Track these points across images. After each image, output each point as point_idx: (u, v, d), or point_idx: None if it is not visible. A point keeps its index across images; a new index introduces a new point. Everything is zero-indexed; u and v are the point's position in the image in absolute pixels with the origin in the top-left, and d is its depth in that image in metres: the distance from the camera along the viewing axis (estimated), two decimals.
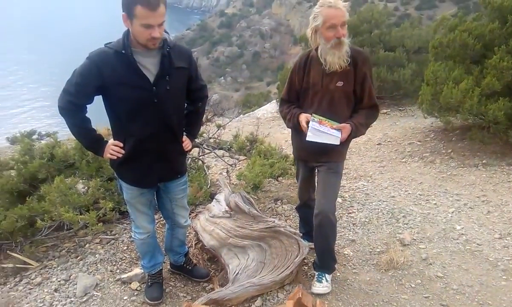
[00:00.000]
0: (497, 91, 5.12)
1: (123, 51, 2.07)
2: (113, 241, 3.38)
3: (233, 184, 4.52)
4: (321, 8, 2.40)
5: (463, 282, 2.72)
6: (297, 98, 2.73)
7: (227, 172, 4.98)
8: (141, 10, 1.94)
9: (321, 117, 2.49)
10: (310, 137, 2.42)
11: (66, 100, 2.14)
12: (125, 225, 3.63)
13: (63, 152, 3.45)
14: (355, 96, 2.57)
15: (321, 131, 2.39)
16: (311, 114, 2.50)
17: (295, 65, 2.68)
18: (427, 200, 4.22)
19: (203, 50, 79.20)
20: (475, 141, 5.64)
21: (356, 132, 2.52)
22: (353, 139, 2.65)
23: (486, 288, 2.67)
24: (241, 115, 12.51)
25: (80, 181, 3.57)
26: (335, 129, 2.42)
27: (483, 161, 5.22)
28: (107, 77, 2.08)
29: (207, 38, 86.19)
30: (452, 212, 3.85)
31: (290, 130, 2.81)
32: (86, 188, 3.70)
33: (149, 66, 2.13)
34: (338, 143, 2.39)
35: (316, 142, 2.41)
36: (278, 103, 11.61)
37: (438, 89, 5.78)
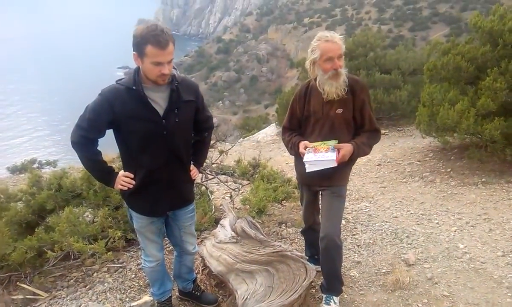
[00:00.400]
0: (492, 111, 5.24)
1: (134, 87, 2.17)
2: (121, 269, 3.41)
3: (236, 208, 4.58)
4: (318, 42, 2.54)
5: (469, 301, 2.76)
6: (298, 125, 2.84)
7: (231, 196, 5.05)
8: (151, 49, 2.06)
9: (316, 144, 2.60)
10: (308, 168, 2.55)
11: (79, 135, 2.23)
12: (132, 253, 3.67)
13: (71, 182, 3.52)
14: (356, 122, 2.67)
15: (317, 160, 2.49)
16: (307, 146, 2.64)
17: (296, 94, 2.80)
18: (429, 219, 4.27)
19: (201, 75, 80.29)
20: (473, 160, 5.73)
21: (359, 151, 2.60)
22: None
23: (492, 306, 2.70)
24: (241, 139, 12.64)
25: (88, 210, 3.62)
26: (330, 150, 2.51)
27: (483, 179, 5.30)
28: (118, 112, 2.18)
29: (205, 63, 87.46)
30: (455, 231, 3.90)
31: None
32: (92, 217, 3.76)
33: (159, 100, 2.24)
34: (335, 165, 2.48)
35: (316, 170, 2.52)
36: (280, 129, 11.81)
37: (434, 110, 5.92)
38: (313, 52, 2.58)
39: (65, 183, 3.53)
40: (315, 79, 2.65)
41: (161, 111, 2.24)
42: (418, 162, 6.48)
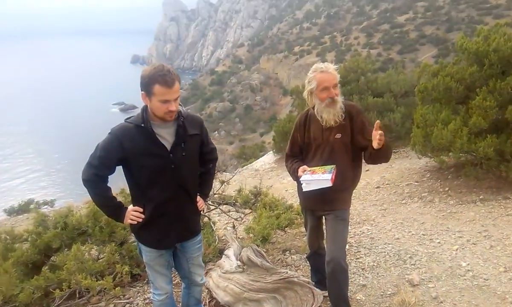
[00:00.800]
0: (484, 129, 5.39)
1: (142, 125, 2.28)
2: (128, 305, 3.42)
3: (240, 238, 4.61)
4: (314, 73, 2.70)
5: None
6: (300, 152, 2.97)
7: (234, 226, 5.09)
8: (159, 88, 2.19)
9: (314, 168, 2.71)
10: (304, 187, 2.66)
11: (90, 173, 2.31)
12: (138, 288, 3.68)
13: (77, 220, 3.57)
14: (360, 146, 2.76)
15: (312, 179, 2.60)
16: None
17: (296, 123, 2.95)
18: (430, 239, 4.33)
19: (196, 107, 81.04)
20: (470, 178, 5.83)
21: (388, 144, 2.62)
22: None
23: None
24: (240, 168, 12.72)
25: (93, 247, 3.66)
26: (326, 172, 2.61)
27: (480, 197, 5.38)
28: (127, 149, 2.28)
29: (199, 96, 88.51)
30: (456, 249, 3.95)
31: (291, 180, 2.99)
32: (98, 254, 3.79)
33: (166, 136, 2.34)
34: (330, 185, 2.57)
35: (311, 190, 2.62)
36: (278, 157, 11.88)
37: (428, 131, 6.06)
38: (310, 83, 2.73)
39: (71, 221, 3.58)
40: (314, 108, 2.78)
41: (168, 146, 2.34)
42: (416, 183, 6.57)
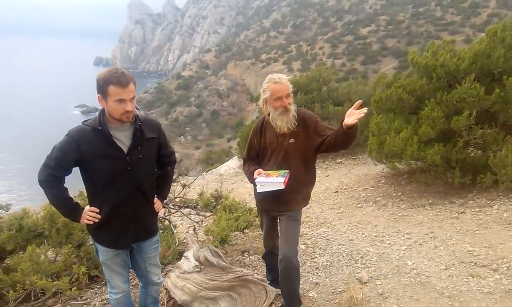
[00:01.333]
0: (432, 137, 5.76)
1: (99, 127, 2.34)
2: (85, 306, 3.41)
3: (200, 240, 4.68)
4: (268, 84, 2.89)
5: None
6: (256, 156, 3.13)
7: (194, 229, 5.15)
8: (113, 89, 2.26)
9: (269, 171, 2.87)
10: (259, 189, 2.80)
11: (47, 174, 2.33)
12: (96, 289, 3.67)
13: (33, 222, 3.52)
14: (320, 142, 2.89)
15: (266, 181, 2.75)
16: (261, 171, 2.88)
17: (253, 129, 3.12)
18: (382, 240, 4.58)
19: (161, 111, 79.94)
20: (420, 184, 6.19)
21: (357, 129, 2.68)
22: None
23: None
24: (204, 173, 12.73)
25: (50, 249, 3.61)
26: (280, 176, 2.77)
27: (429, 201, 5.74)
28: (84, 151, 2.32)
29: (165, 100, 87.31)
30: (404, 250, 4.22)
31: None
32: (54, 256, 3.74)
33: (123, 138, 2.41)
34: (282, 187, 2.73)
35: (265, 191, 2.77)
36: (241, 161, 11.97)
37: (382, 139, 6.39)
38: (265, 92, 2.91)
39: (27, 223, 3.52)
40: (269, 115, 2.94)
41: (125, 149, 2.41)
42: (372, 188, 6.90)
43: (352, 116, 2.57)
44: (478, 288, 3.24)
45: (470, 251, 3.93)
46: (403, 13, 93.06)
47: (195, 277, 3.22)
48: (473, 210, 4.96)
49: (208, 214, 5.14)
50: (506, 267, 3.50)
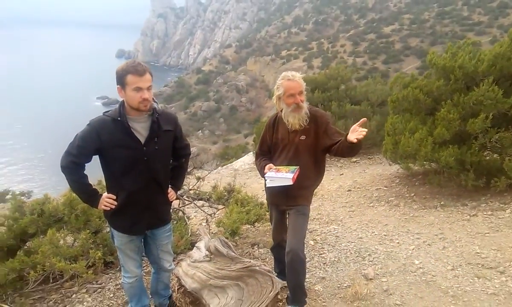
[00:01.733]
0: (447, 139, 5.73)
1: (119, 118, 2.48)
2: (100, 289, 3.59)
3: (212, 232, 4.82)
4: (282, 81, 2.98)
5: None
6: (268, 151, 3.23)
7: (207, 221, 5.29)
8: (131, 77, 2.43)
9: (280, 166, 2.96)
10: (268, 183, 2.92)
11: (68, 160, 2.50)
12: (111, 274, 3.84)
13: (54, 207, 3.72)
14: (323, 145, 2.99)
15: (276, 177, 2.85)
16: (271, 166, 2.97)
17: (266, 125, 3.22)
18: (391, 239, 4.62)
19: (180, 105, 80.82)
20: (434, 185, 6.17)
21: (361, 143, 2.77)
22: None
23: None
24: (219, 168, 12.89)
25: (68, 234, 3.80)
26: (289, 172, 2.86)
27: (441, 203, 5.72)
28: (104, 140, 2.47)
29: (184, 94, 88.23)
30: (412, 249, 4.25)
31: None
32: (72, 241, 3.94)
33: (141, 130, 2.55)
34: (291, 183, 2.81)
35: (274, 186, 2.87)
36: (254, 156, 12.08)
37: (397, 139, 6.39)
38: (278, 89, 3.00)
39: (48, 208, 3.72)
40: (281, 111, 3.04)
41: (142, 140, 2.55)
42: (385, 188, 6.90)
43: (354, 133, 2.67)
44: (483, 289, 3.26)
45: (478, 253, 3.93)
46: (428, 12, 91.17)
47: (205, 266, 3.34)
48: (485, 213, 4.94)
49: (220, 207, 5.27)
50: None
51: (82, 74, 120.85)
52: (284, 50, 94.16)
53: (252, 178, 10.00)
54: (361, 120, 2.73)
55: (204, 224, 5.52)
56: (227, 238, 3.95)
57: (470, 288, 3.30)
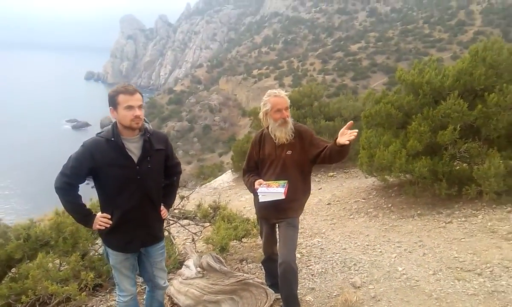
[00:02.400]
0: (420, 151, 6.03)
1: (112, 138, 2.55)
2: None
3: (198, 251, 4.85)
4: (269, 97, 3.14)
5: None
6: (255, 167, 3.35)
7: (193, 239, 5.31)
8: (122, 97, 2.54)
9: (270, 182, 3.08)
10: (261, 198, 3.03)
11: (62, 181, 2.53)
12: (101, 297, 3.80)
13: (41, 231, 3.67)
14: (315, 155, 3.12)
15: (268, 192, 2.98)
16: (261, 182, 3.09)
17: (252, 142, 3.36)
18: (373, 249, 4.79)
19: (153, 126, 79.09)
20: (409, 195, 6.45)
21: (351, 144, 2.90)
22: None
23: None
24: (198, 187, 12.87)
25: (56, 258, 3.75)
26: (280, 186, 2.98)
27: (418, 212, 5.98)
28: (98, 159, 2.53)
29: (156, 114, 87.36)
30: (395, 257, 4.43)
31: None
32: (59, 264, 3.88)
33: (134, 149, 2.63)
34: (283, 197, 2.94)
35: (267, 201, 2.99)
36: (236, 176, 12.16)
37: (372, 152, 6.66)
38: (265, 105, 3.15)
39: (34, 232, 3.66)
40: (268, 128, 3.18)
41: (135, 159, 2.62)
42: (363, 200, 7.13)
43: (345, 136, 2.81)
44: (464, 290, 3.46)
45: (456, 257, 4.16)
46: (392, 30, 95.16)
47: (198, 282, 3.38)
48: (459, 219, 5.21)
49: (206, 224, 5.31)
50: (490, 271, 3.73)
51: (51, 98, 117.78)
52: (255, 69, 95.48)
53: (232, 196, 10.06)
54: (349, 123, 2.89)
55: (188, 243, 5.54)
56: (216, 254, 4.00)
57: (452, 290, 3.49)
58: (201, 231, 5.24)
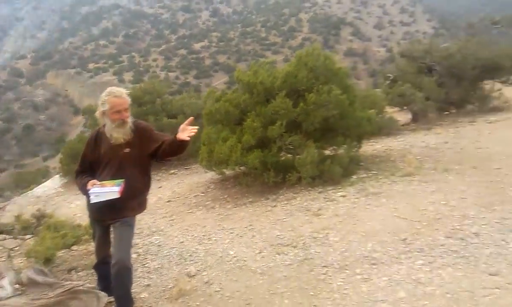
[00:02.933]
0: (253, 144, 6.63)
1: None
2: None
3: (17, 267, 4.29)
4: (108, 97, 3.01)
5: (234, 289, 3.58)
6: (89, 167, 3.19)
7: (9, 256, 4.67)
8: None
9: (104, 181, 2.98)
10: (93, 200, 2.90)
11: None
12: None
13: None
14: (156, 149, 3.13)
15: (101, 192, 2.87)
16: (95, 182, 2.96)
17: (87, 142, 3.21)
18: (209, 238, 5.08)
19: None
20: (243, 186, 7.02)
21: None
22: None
23: (249, 289, 3.59)
24: (15, 197, 11.21)
25: None
26: (115, 185, 2.92)
27: (250, 200, 6.56)
28: None
29: None
30: (227, 243, 4.80)
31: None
32: None
33: None
34: (118, 196, 2.89)
35: (100, 201, 2.87)
36: (65, 181, 11.07)
37: (212, 148, 7.03)
38: (103, 105, 3.02)
39: None
40: (104, 126, 3.07)
41: None
42: (202, 194, 7.43)
43: (185, 132, 2.91)
44: (282, 262, 4.00)
45: (278, 235, 4.75)
46: (233, 31, 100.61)
47: (16, 301, 3.03)
48: (282, 203, 5.95)
49: (27, 237, 4.73)
50: (303, 243, 4.39)
51: None
52: (91, 62, 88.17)
53: (60, 203, 9.12)
54: (189, 119, 3.00)
55: (3, 261, 4.84)
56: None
57: (273, 264, 3.99)
58: (20, 245, 4.64)
